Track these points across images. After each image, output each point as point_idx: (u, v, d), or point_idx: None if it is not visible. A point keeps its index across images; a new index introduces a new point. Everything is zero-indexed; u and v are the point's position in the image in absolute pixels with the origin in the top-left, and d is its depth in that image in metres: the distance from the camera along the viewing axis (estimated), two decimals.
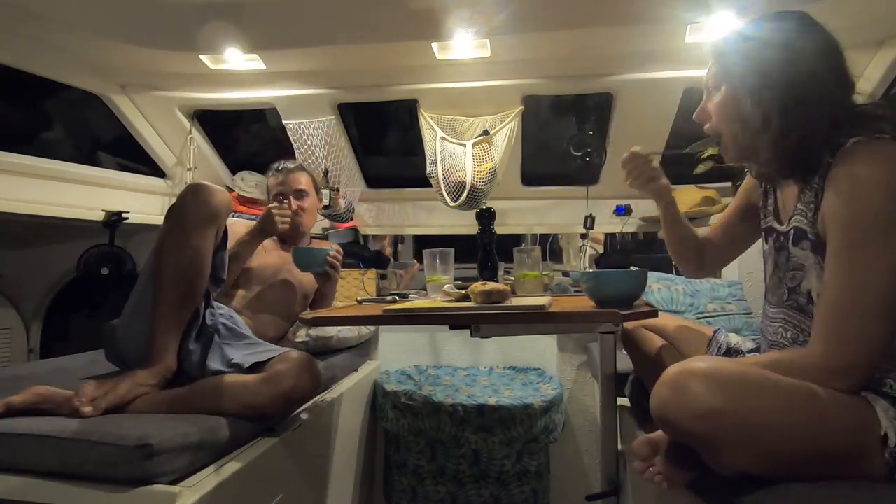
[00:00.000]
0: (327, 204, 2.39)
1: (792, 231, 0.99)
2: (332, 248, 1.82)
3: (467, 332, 1.20)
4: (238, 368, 1.32)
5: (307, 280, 1.90)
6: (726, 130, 1.04)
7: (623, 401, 1.50)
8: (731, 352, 1.21)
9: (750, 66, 0.98)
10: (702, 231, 1.41)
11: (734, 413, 0.80)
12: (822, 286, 0.91)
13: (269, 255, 1.85)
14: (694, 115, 1.10)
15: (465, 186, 2.18)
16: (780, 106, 0.94)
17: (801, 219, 0.96)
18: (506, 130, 2.26)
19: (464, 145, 2.26)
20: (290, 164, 1.95)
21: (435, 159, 2.25)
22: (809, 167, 0.95)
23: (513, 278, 1.64)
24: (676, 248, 1.39)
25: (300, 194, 1.90)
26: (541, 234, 3.01)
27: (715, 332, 1.28)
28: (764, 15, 1.01)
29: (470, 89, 2.23)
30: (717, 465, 0.85)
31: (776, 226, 1.07)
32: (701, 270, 1.40)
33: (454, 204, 2.21)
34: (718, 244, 1.35)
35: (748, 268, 2.07)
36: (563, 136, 2.49)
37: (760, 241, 1.16)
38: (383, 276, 2.67)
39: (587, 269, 2.72)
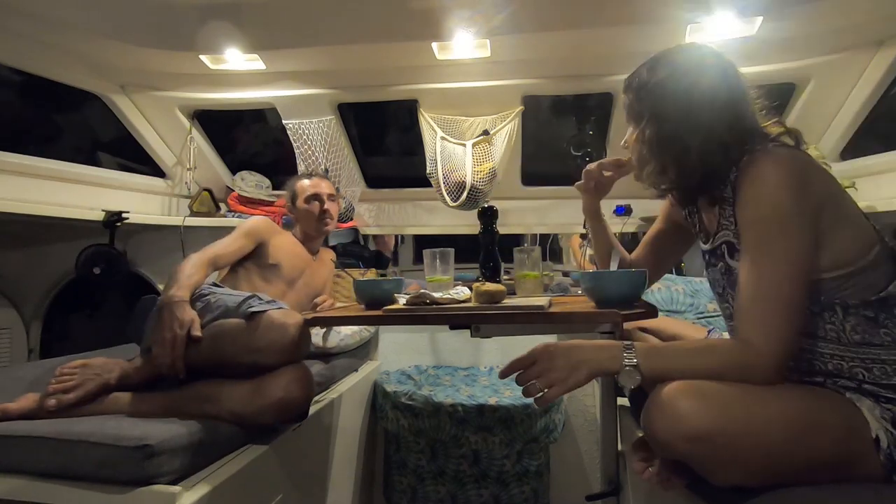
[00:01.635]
0: None
1: (724, 246, 1.02)
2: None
3: (467, 332, 1.20)
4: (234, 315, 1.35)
5: (321, 283, 1.98)
6: (637, 160, 1.10)
7: (623, 401, 1.50)
8: None
9: (649, 102, 1.04)
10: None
11: (723, 432, 0.80)
12: (738, 282, 0.93)
13: (298, 257, 1.90)
14: (622, 142, 1.16)
15: (465, 186, 2.18)
16: (676, 137, 1.00)
17: (728, 233, 1.00)
18: (506, 130, 2.26)
19: (464, 145, 2.26)
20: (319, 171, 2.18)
21: (435, 159, 2.25)
22: (716, 186, 1.00)
23: (512, 280, 1.64)
24: (597, 251, 1.46)
25: (332, 198, 2.00)
26: (541, 234, 3.01)
27: (708, 332, 1.28)
28: (667, 50, 1.07)
29: (470, 89, 2.23)
30: (711, 480, 0.85)
31: (703, 245, 1.11)
32: None
33: (454, 204, 2.21)
34: (646, 262, 1.38)
35: None
36: (563, 136, 2.49)
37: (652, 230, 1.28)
38: (383, 276, 2.67)
39: (587, 269, 2.72)
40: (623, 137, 1.17)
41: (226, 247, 1.70)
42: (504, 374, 0.99)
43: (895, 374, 0.86)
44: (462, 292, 1.37)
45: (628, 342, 0.93)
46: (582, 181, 1.40)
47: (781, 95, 2.14)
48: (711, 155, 0.98)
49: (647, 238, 1.38)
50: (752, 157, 0.94)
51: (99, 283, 2.28)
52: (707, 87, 0.99)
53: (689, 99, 0.99)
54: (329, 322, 1.67)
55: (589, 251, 2.69)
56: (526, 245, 1.75)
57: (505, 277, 2.06)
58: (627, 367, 0.90)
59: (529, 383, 0.95)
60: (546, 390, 0.93)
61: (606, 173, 1.37)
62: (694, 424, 0.80)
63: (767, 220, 0.89)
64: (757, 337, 0.87)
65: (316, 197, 1.95)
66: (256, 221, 1.86)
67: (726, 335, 1.26)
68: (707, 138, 0.97)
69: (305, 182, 1.98)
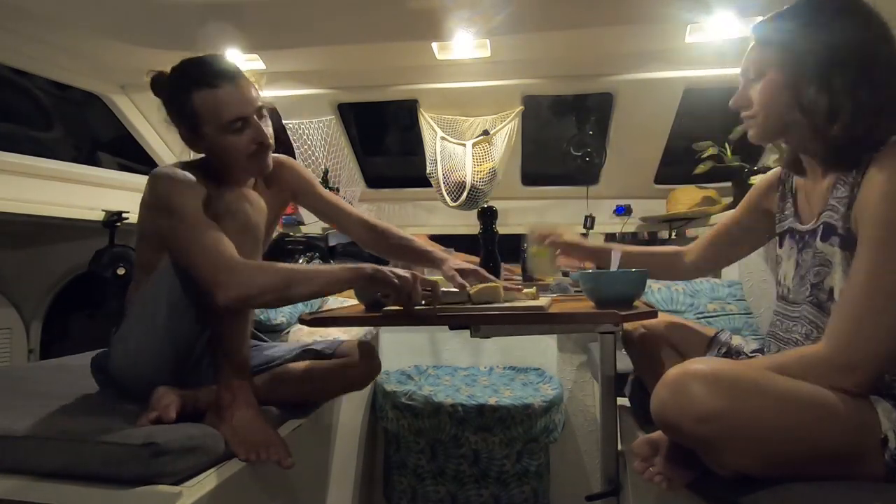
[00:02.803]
0: None
1: (821, 227, 0.96)
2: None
3: (467, 332, 1.20)
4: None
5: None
6: (773, 115, 0.98)
7: (623, 401, 1.49)
8: (732, 353, 1.21)
9: (814, 47, 0.91)
10: (699, 232, 1.41)
11: (734, 415, 0.80)
12: (847, 283, 0.89)
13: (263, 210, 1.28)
14: (731, 102, 1.04)
15: (465, 186, 2.18)
16: (852, 92, 0.89)
17: (832, 214, 0.94)
18: (506, 130, 2.26)
19: (464, 145, 2.26)
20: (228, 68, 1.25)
21: (435, 159, 2.25)
22: (852, 160, 0.91)
23: (517, 279, 1.64)
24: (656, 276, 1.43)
25: (262, 115, 1.27)
26: None
27: (717, 333, 1.27)
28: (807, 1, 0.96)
29: (470, 89, 2.23)
30: (717, 467, 0.85)
31: (797, 226, 1.05)
32: (683, 277, 1.42)
33: (454, 204, 2.21)
34: (701, 254, 1.34)
35: (748, 268, 2.07)
36: (563, 136, 2.49)
37: (771, 246, 1.16)
38: None
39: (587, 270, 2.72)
40: (623, 137, 1.15)
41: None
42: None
43: None
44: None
45: None
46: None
47: None
48: (883, 119, 0.88)
49: (716, 230, 1.32)
50: (894, 146, 0.87)
51: (114, 283, 2.28)
52: (860, 38, 0.91)
53: (875, 48, 0.90)
54: (329, 322, 1.67)
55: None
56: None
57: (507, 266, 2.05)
58: None
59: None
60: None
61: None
62: (705, 405, 0.80)
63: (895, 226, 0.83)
64: (854, 344, 0.84)
65: (244, 121, 1.22)
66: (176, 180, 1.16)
67: (735, 336, 1.25)
68: (887, 98, 0.89)
69: (220, 93, 1.19)
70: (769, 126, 1.00)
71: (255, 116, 1.22)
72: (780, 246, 1.10)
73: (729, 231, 1.31)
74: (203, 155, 1.31)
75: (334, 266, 1.21)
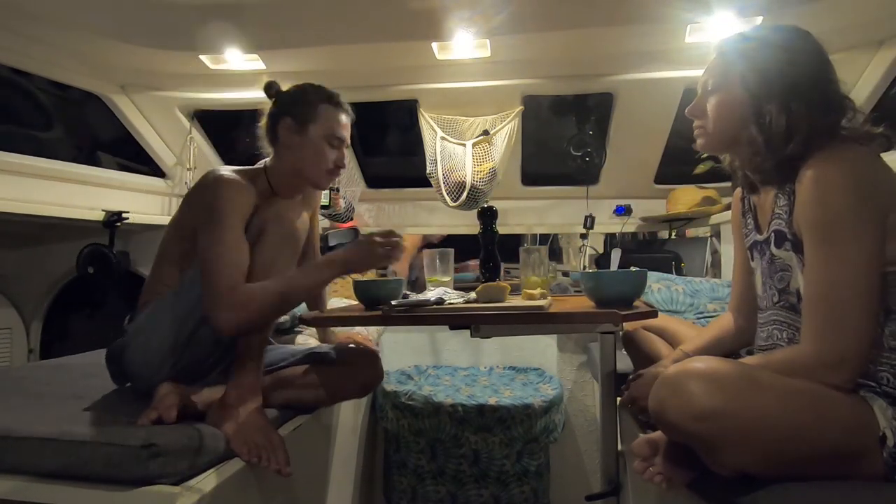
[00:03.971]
0: (327, 204, 2.39)
1: (773, 234, 1.01)
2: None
3: (467, 332, 1.20)
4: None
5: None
6: (722, 128, 1.05)
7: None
8: (732, 353, 1.21)
9: (775, 72, 0.98)
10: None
11: (733, 413, 0.80)
12: (805, 285, 0.93)
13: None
14: (687, 111, 1.11)
15: (465, 186, 2.18)
16: (806, 116, 0.95)
17: (780, 221, 1.00)
18: (506, 130, 2.26)
19: (464, 145, 2.26)
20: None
21: (435, 159, 2.25)
22: (787, 174, 0.98)
23: (516, 280, 1.64)
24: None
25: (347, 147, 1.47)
26: (541, 234, 3.01)
27: None
28: (768, 25, 1.08)
29: (470, 89, 2.23)
30: (716, 465, 0.85)
31: (757, 237, 1.10)
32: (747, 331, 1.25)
33: (454, 204, 2.21)
34: (747, 309, 1.23)
35: None
36: (563, 136, 2.49)
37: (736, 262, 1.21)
38: (383, 276, 2.67)
39: (587, 269, 2.72)
40: (623, 137, 1.16)
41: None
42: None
43: None
44: (444, 294, 1.36)
45: None
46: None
47: None
48: (816, 132, 0.95)
49: (738, 279, 1.26)
50: (823, 152, 0.92)
51: (97, 283, 2.28)
52: (818, 64, 0.98)
53: (802, 70, 0.97)
54: (329, 322, 1.67)
55: (589, 251, 2.69)
56: (528, 245, 1.75)
57: (506, 277, 2.06)
58: None
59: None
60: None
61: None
62: (703, 403, 0.80)
63: (837, 220, 0.88)
64: (832, 340, 0.87)
65: (340, 142, 1.42)
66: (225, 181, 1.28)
67: None
68: (816, 115, 0.95)
69: (335, 113, 1.41)
70: (718, 138, 1.07)
71: (344, 146, 1.44)
72: (752, 260, 1.13)
73: (744, 274, 1.24)
74: (262, 164, 1.45)
75: (312, 272, 1.30)
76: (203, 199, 1.27)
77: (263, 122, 1.44)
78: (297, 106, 1.39)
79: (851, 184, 0.88)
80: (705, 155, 2.18)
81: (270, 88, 1.43)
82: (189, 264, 1.28)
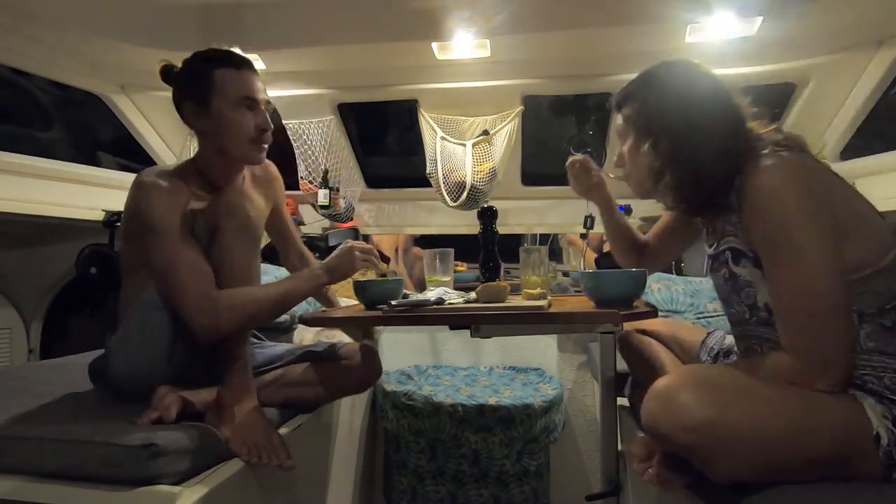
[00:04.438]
0: (327, 204, 2.39)
1: (728, 252, 1.01)
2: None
3: (467, 332, 1.20)
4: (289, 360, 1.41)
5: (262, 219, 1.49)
6: (634, 174, 1.12)
7: (623, 401, 1.50)
8: (725, 353, 1.21)
9: (644, 117, 1.05)
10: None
11: (724, 423, 0.80)
12: (772, 299, 0.93)
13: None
14: (615, 161, 1.17)
15: (465, 186, 2.18)
16: (673, 156, 1.01)
17: (733, 239, 1.00)
18: (506, 130, 2.26)
19: (464, 145, 2.26)
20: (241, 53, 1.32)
21: (435, 159, 2.25)
22: (718, 197, 1.00)
23: (516, 280, 1.64)
24: (614, 245, 1.45)
25: (267, 108, 1.33)
26: (541, 234, 3.01)
27: (709, 333, 1.28)
28: (656, 66, 1.09)
29: (470, 89, 2.23)
30: (711, 474, 0.85)
31: (707, 249, 1.10)
32: (638, 266, 1.42)
33: (454, 204, 2.21)
34: (655, 248, 1.40)
35: None
36: (563, 136, 2.49)
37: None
38: (383, 275, 2.67)
39: (587, 270, 2.72)
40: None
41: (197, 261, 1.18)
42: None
43: None
44: (445, 295, 1.36)
45: None
46: (575, 188, 1.44)
47: (781, 96, 2.14)
48: (722, 162, 0.97)
49: (657, 225, 1.41)
50: (757, 163, 0.93)
51: (97, 283, 2.28)
52: (708, 96, 1.02)
53: (696, 108, 1.00)
54: (330, 323, 1.67)
55: (589, 249, 2.69)
56: (528, 245, 1.75)
57: (506, 277, 2.06)
58: None
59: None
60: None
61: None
62: (694, 415, 0.80)
63: (789, 230, 0.88)
64: (811, 350, 0.86)
65: (253, 102, 1.27)
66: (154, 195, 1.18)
67: (728, 336, 1.25)
68: (717, 147, 0.97)
69: (234, 73, 1.25)
70: (640, 183, 1.12)
71: (263, 105, 1.28)
72: (707, 262, 1.14)
73: (659, 235, 1.39)
74: (192, 157, 1.35)
75: (300, 282, 1.29)
76: (134, 209, 1.20)
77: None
78: (191, 83, 1.25)
79: (793, 188, 0.88)
80: None
81: (164, 74, 1.32)
82: (150, 276, 1.20)
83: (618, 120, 1.13)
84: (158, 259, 1.15)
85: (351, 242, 1.31)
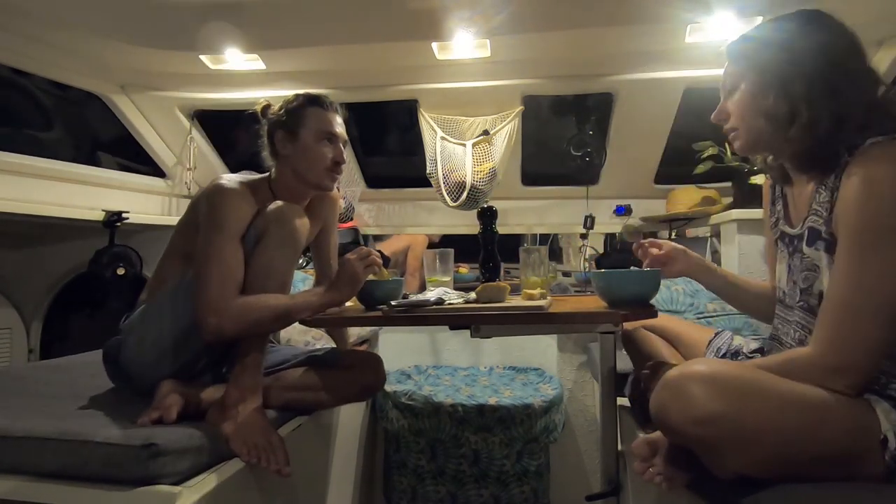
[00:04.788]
0: None
1: (806, 231, 0.97)
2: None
3: (467, 332, 1.20)
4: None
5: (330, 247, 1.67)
6: (747, 126, 1.02)
7: (623, 401, 1.49)
8: (732, 353, 1.21)
9: (775, 59, 0.96)
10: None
11: (734, 417, 0.80)
12: (829, 285, 0.90)
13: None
14: (712, 117, 1.08)
15: (465, 186, 2.18)
16: (808, 98, 0.92)
17: (816, 219, 0.95)
18: (506, 130, 2.26)
19: (464, 145, 2.26)
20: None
21: (435, 159, 2.25)
22: (828, 165, 0.93)
23: (516, 280, 1.64)
24: (739, 307, 1.33)
25: (345, 145, 1.50)
26: (541, 234, 3.01)
27: (717, 333, 1.27)
28: (779, 16, 1.00)
29: (470, 89, 2.23)
30: (717, 468, 0.85)
31: (787, 230, 1.06)
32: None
33: (454, 204, 2.21)
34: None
35: (748, 268, 2.07)
36: (563, 136, 2.49)
37: (767, 245, 1.15)
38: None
39: (587, 270, 2.72)
40: (623, 137, 1.14)
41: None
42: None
43: None
44: (444, 295, 1.36)
45: None
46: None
47: None
48: (845, 123, 0.91)
49: (770, 258, 1.25)
50: (874, 147, 0.87)
51: (116, 283, 2.29)
52: (844, 40, 0.95)
53: (833, 50, 0.93)
54: (329, 323, 1.67)
55: (589, 251, 2.69)
56: (528, 245, 1.74)
57: (506, 277, 2.06)
58: None
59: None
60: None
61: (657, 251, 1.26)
62: (706, 407, 0.80)
63: (880, 225, 0.84)
64: (840, 345, 0.85)
65: (332, 138, 1.45)
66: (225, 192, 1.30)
67: (737, 336, 1.24)
68: (858, 87, 0.92)
69: (321, 112, 1.44)
70: (750, 137, 1.03)
71: (341, 142, 1.46)
72: (778, 247, 1.11)
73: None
74: (267, 174, 1.48)
75: (312, 296, 1.32)
76: (204, 206, 1.31)
77: (265, 141, 1.50)
78: (285, 117, 1.44)
79: None
80: (706, 154, 2.19)
81: (264, 111, 1.50)
82: (190, 266, 1.30)
83: (730, 70, 1.04)
84: (204, 249, 1.23)
85: (348, 255, 1.33)
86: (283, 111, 1.45)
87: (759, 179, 2.03)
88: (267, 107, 1.51)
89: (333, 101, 1.49)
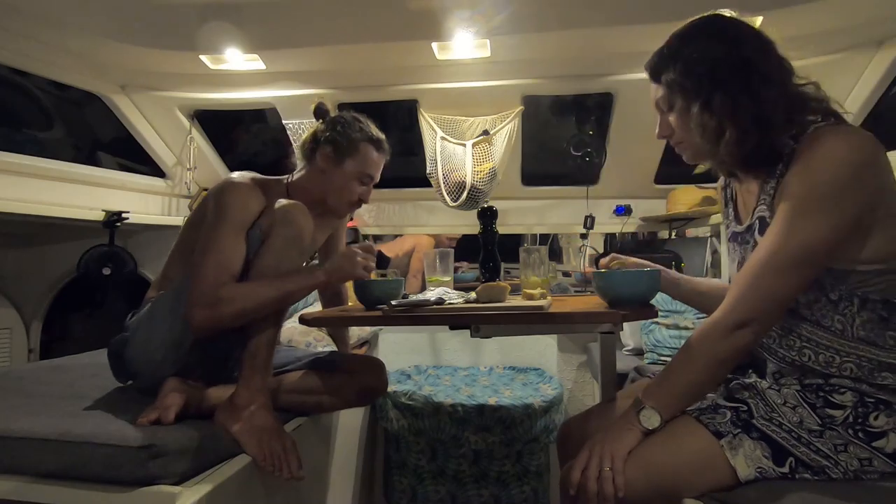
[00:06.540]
0: None
1: (756, 222, 0.99)
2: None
3: (467, 332, 1.20)
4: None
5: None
6: (688, 141, 1.04)
7: None
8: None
9: (690, 76, 0.97)
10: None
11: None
12: (755, 249, 0.93)
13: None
14: (656, 133, 1.09)
15: (465, 186, 2.18)
16: (730, 110, 0.94)
17: (764, 208, 0.97)
18: (506, 130, 2.26)
19: (464, 145, 2.26)
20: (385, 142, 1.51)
21: (435, 159, 2.25)
22: (770, 160, 0.95)
23: (516, 280, 1.64)
24: (699, 308, 1.37)
25: (374, 183, 1.53)
26: (541, 234, 3.01)
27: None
28: (684, 27, 1.02)
29: (470, 89, 2.23)
30: None
31: (737, 228, 1.07)
32: None
33: (454, 204, 2.21)
34: None
35: None
36: (563, 136, 2.49)
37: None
38: (383, 276, 2.67)
39: (587, 270, 2.72)
40: (623, 137, 1.14)
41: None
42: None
43: (881, 376, 0.87)
44: (445, 295, 1.35)
45: (638, 398, 0.95)
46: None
47: None
48: (783, 101, 0.93)
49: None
50: (820, 130, 0.89)
51: (104, 283, 2.29)
52: (754, 40, 0.96)
53: (746, 52, 0.94)
54: (329, 323, 1.67)
55: (589, 252, 2.69)
56: (527, 245, 1.74)
57: (506, 277, 2.06)
58: (649, 420, 0.92)
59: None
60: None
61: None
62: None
63: (813, 192, 0.86)
64: (744, 301, 0.89)
65: (370, 180, 1.50)
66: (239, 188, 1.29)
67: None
68: (777, 87, 0.93)
69: (374, 154, 1.47)
70: (693, 150, 1.05)
71: (372, 183, 1.49)
72: (729, 252, 1.12)
73: None
74: (294, 177, 1.47)
75: (300, 278, 1.25)
76: (211, 201, 1.29)
77: (305, 137, 1.48)
78: (341, 137, 1.43)
79: (854, 160, 0.84)
80: None
81: (319, 110, 1.49)
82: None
83: (656, 91, 1.05)
84: (205, 241, 1.22)
85: (354, 246, 1.32)
86: (343, 130, 1.44)
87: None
88: (322, 107, 1.50)
89: (387, 144, 1.51)
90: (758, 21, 1.75)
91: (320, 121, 1.49)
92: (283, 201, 1.27)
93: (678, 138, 1.06)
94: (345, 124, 1.45)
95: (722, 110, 0.94)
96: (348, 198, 1.45)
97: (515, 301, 1.29)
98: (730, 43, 0.95)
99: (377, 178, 1.50)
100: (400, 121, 2.83)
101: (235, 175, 1.34)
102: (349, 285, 2.38)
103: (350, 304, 1.43)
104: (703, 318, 1.96)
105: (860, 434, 0.85)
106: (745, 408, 0.92)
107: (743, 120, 0.93)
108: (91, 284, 2.30)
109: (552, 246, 3.21)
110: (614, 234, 2.83)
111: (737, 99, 0.93)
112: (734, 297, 0.91)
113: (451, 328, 1.26)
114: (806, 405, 0.89)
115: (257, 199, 1.28)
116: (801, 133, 0.92)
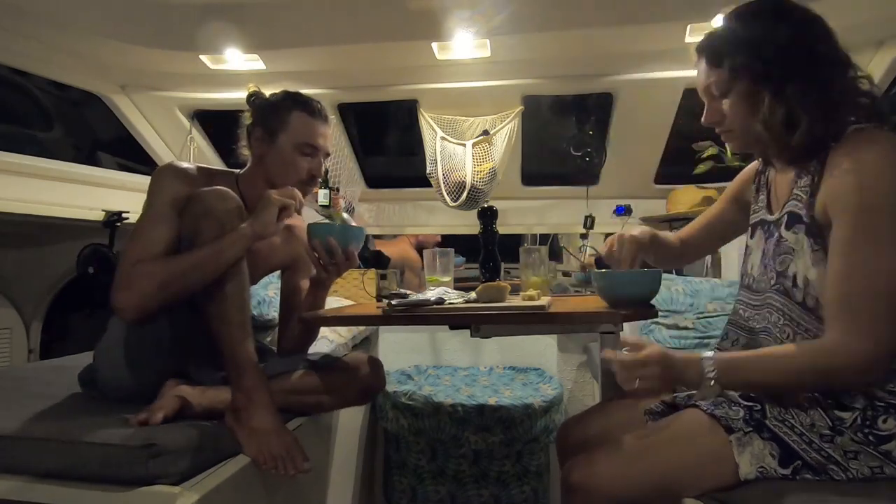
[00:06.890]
0: (327, 203, 2.39)
1: (786, 216, 0.97)
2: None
3: (467, 332, 1.20)
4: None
5: (280, 262, 1.53)
6: (744, 130, 0.99)
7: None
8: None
9: (763, 60, 0.93)
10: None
11: None
12: (832, 276, 0.87)
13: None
14: (703, 119, 1.05)
15: (465, 186, 2.18)
16: (802, 101, 0.90)
17: (797, 203, 0.95)
18: (506, 130, 2.26)
19: (464, 145, 2.26)
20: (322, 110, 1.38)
21: (435, 159, 2.25)
22: (815, 154, 0.93)
23: (516, 280, 1.64)
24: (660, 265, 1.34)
25: (325, 157, 1.40)
26: (541, 234, 3.01)
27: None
28: (743, 7, 0.97)
29: (470, 89, 2.23)
30: None
31: (767, 217, 1.05)
32: (681, 262, 1.42)
33: (454, 204, 2.21)
34: (697, 242, 1.33)
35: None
36: (563, 136, 2.49)
37: (745, 237, 1.16)
38: (383, 277, 2.67)
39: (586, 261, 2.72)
40: (623, 137, 1.14)
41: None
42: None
43: (893, 383, 0.87)
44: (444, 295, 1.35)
45: (708, 355, 0.90)
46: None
47: None
48: (836, 115, 0.90)
49: (704, 218, 1.31)
50: (857, 133, 0.88)
51: (98, 283, 2.28)
52: (820, 27, 0.93)
53: (813, 40, 0.92)
54: (329, 322, 1.67)
55: (589, 251, 2.69)
56: (527, 245, 1.74)
57: (507, 277, 2.06)
58: (709, 383, 0.89)
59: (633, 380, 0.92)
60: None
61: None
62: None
63: (877, 207, 0.83)
64: (850, 334, 0.83)
65: (314, 150, 1.35)
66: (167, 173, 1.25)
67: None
68: (844, 79, 0.91)
69: (307, 120, 1.33)
70: (748, 140, 1.01)
71: (321, 155, 1.37)
72: (751, 237, 1.10)
73: (711, 221, 1.29)
74: (243, 170, 1.41)
75: (219, 243, 1.15)
76: (149, 189, 1.25)
77: (243, 132, 1.40)
78: (268, 115, 1.34)
79: (893, 168, 0.84)
80: (706, 154, 2.19)
81: (250, 98, 1.40)
82: None
83: (708, 76, 1.00)
84: (136, 226, 1.20)
85: (270, 192, 1.23)
86: (268, 108, 1.34)
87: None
88: (255, 94, 1.40)
89: (323, 108, 1.37)
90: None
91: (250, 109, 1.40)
92: (201, 191, 1.18)
93: (729, 125, 1.01)
94: (269, 101, 1.36)
95: (794, 98, 0.90)
96: (296, 175, 1.32)
97: (515, 301, 1.29)
98: (798, 26, 0.92)
99: (324, 147, 1.35)
100: (400, 121, 2.83)
101: (172, 162, 1.31)
102: (343, 285, 2.36)
103: (350, 302, 1.43)
104: (703, 318, 1.95)
105: (870, 437, 0.84)
106: (759, 407, 0.91)
107: (814, 109, 0.89)
108: (90, 284, 2.29)
109: (552, 246, 3.21)
110: (614, 234, 2.83)
111: (810, 87, 0.90)
112: (858, 333, 0.83)
113: (451, 328, 1.27)
114: (818, 406, 0.88)
115: (186, 183, 1.22)
116: (839, 133, 0.89)
